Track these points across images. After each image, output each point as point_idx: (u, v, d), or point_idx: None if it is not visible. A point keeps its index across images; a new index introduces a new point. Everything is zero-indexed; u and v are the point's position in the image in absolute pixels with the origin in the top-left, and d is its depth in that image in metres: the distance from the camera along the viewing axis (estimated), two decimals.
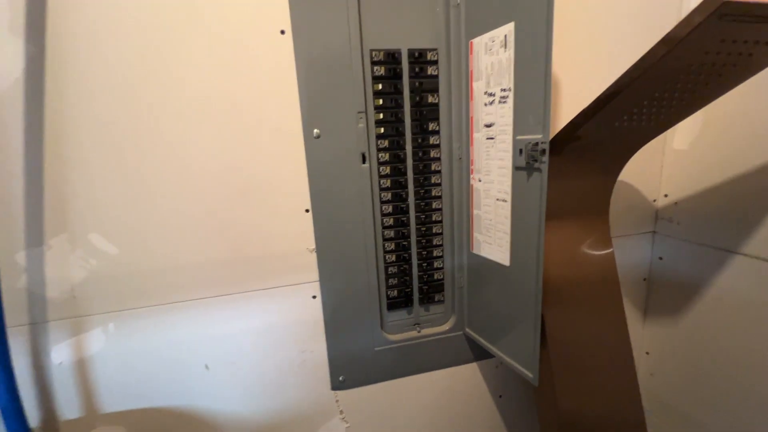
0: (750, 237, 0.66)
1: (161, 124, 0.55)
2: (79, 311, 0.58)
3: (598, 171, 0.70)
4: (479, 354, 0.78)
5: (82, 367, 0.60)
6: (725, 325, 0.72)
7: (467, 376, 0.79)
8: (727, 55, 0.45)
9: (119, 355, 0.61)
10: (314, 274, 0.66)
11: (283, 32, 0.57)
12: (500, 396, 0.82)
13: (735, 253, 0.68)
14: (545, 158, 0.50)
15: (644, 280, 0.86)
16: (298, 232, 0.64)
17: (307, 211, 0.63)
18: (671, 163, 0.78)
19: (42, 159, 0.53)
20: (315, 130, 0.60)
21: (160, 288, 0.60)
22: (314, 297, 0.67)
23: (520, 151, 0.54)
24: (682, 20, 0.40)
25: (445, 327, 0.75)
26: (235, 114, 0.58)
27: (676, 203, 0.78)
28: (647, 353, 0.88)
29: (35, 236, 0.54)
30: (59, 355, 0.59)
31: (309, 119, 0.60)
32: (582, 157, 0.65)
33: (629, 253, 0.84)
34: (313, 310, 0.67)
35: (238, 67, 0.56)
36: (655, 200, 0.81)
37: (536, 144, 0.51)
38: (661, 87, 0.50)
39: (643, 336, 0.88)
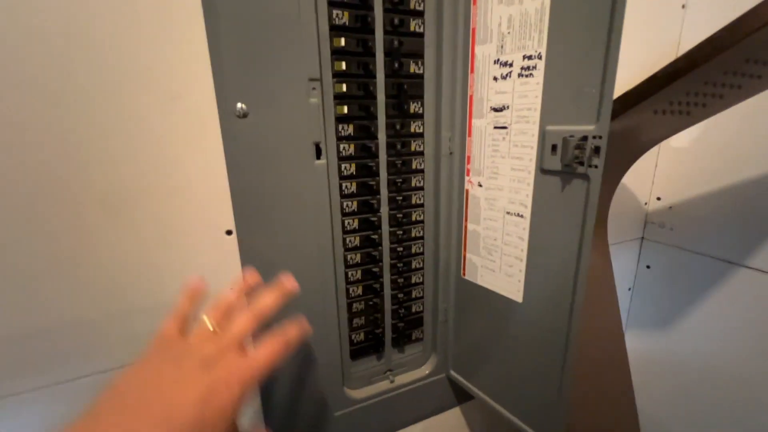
0: (753, 248, 0.59)
1: None
2: None
3: (603, 172, 0.58)
4: (462, 395, 0.63)
5: None
6: (716, 340, 0.66)
7: (448, 423, 0.64)
8: None
9: None
10: None
11: None
12: None
13: (737, 264, 0.62)
14: (599, 160, 0.34)
15: (629, 290, 0.78)
16: (215, 267, 0.40)
17: (228, 233, 0.40)
18: (667, 163, 0.69)
19: None
20: (239, 105, 0.37)
21: None
22: None
23: (554, 147, 0.37)
24: None
25: (425, 371, 0.58)
26: (93, 70, 0.32)
27: (670, 207, 0.70)
28: None
29: None
30: None
31: (228, 87, 0.36)
32: None
33: (614, 261, 0.75)
34: None
35: None
36: (646, 203, 0.73)
37: (584, 138, 0.34)
38: (737, 66, 0.37)
39: None
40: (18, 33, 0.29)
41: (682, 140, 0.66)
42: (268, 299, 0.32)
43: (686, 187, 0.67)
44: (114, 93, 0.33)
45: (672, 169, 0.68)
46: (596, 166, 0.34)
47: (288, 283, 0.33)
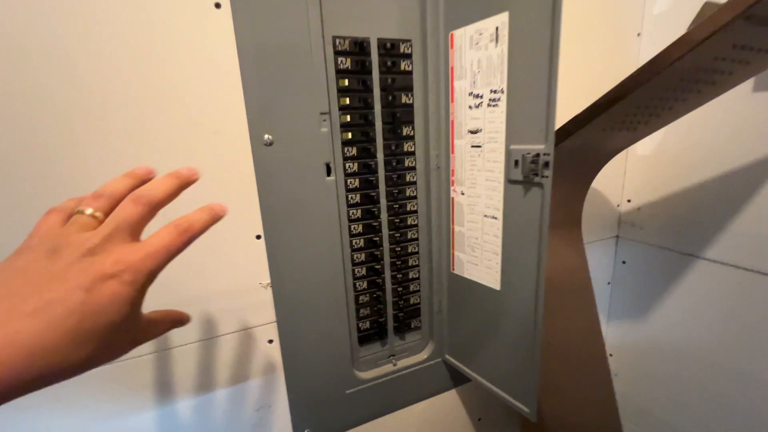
0: (712, 242, 0.68)
1: (44, 119, 0.38)
2: None
3: (573, 179, 0.66)
4: (458, 378, 0.71)
5: None
6: (687, 326, 0.74)
7: (446, 403, 0.72)
8: (731, 62, 0.42)
9: None
10: (270, 314, 0.53)
11: (218, 5, 0.43)
12: (479, 419, 0.77)
13: (696, 257, 0.70)
14: (549, 172, 0.43)
15: (608, 284, 0.86)
16: (248, 265, 0.50)
17: (258, 237, 0.50)
18: (634, 169, 0.78)
19: None
20: (266, 136, 0.47)
21: None
22: (271, 341, 0.54)
23: (516, 162, 0.47)
24: (706, 20, 0.36)
25: (423, 355, 0.67)
26: (155, 111, 0.42)
27: (639, 208, 0.78)
28: (611, 355, 0.89)
29: None
30: None
31: (258, 121, 0.47)
32: (561, 165, 0.61)
33: (593, 257, 0.83)
34: (271, 357, 0.55)
35: (156, 47, 0.41)
36: (618, 205, 0.82)
37: (537, 155, 0.44)
38: (661, 93, 0.47)
39: (607, 338, 0.89)
40: (83, 81, 0.40)
41: (646, 148, 0.75)
42: (159, 184, 0.27)
43: (651, 190, 0.76)
44: (170, 131, 0.43)
45: (639, 175, 0.77)
46: (547, 177, 0.43)
47: (185, 170, 0.29)
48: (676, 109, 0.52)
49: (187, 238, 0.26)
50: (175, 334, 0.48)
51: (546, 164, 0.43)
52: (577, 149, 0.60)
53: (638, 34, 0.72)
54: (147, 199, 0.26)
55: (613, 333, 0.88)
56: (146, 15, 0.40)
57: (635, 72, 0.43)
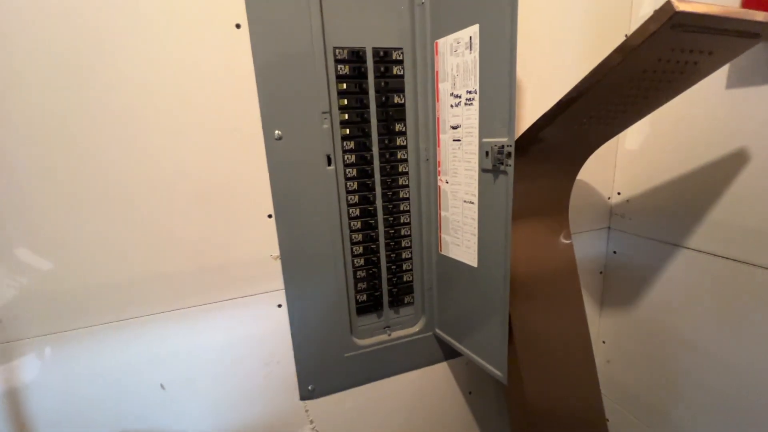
0: (692, 232, 0.71)
1: (102, 122, 0.50)
2: (7, 336, 0.51)
3: (558, 171, 0.72)
4: (449, 353, 0.78)
5: (14, 398, 0.53)
6: (672, 313, 0.77)
7: (438, 375, 0.80)
8: (675, 63, 0.47)
9: (59, 382, 0.54)
10: (279, 282, 0.63)
11: (238, 26, 0.53)
12: (470, 392, 0.84)
13: (680, 246, 0.73)
14: (511, 161, 0.50)
15: (600, 273, 0.90)
16: (261, 239, 0.60)
17: (269, 216, 0.60)
18: (623, 163, 0.82)
19: None
20: (276, 132, 0.57)
21: (104, 305, 0.54)
22: (280, 306, 0.64)
23: (487, 153, 0.54)
24: (637, 29, 0.41)
25: (416, 329, 0.75)
26: (187, 113, 0.53)
27: (628, 200, 0.82)
28: (603, 342, 0.93)
29: None
30: None
31: (269, 120, 0.56)
32: (544, 158, 0.67)
33: (586, 247, 0.88)
34: (279, 320, 0.64)
35: (190, 62, 0.52)
36: (609, 197, 0.86)
37: (502, 147, 0.51)
38: (617, 92, 0.52)
39: (600, 325, 0.93)
40: (134, 89, 0.51)
41: (633, 143, 0.79)
42: None
43: (639, 183, 0.79)
44: (198, 128, 0.54)
45: (627, 168, 0.81)
46: (510, 165, 0.50)
47: None
48: (640, 105, 0.57)
49: None
50: (204, 293, 0.59)
51: (509, 154, 0.50)
52: (561, 142, 0.65)
53: (626, 35, 0.76)
54: None
55: (606, 321, 0.92)
56: (181, 34, 0.51)
57: (588, 74, 0.48)
